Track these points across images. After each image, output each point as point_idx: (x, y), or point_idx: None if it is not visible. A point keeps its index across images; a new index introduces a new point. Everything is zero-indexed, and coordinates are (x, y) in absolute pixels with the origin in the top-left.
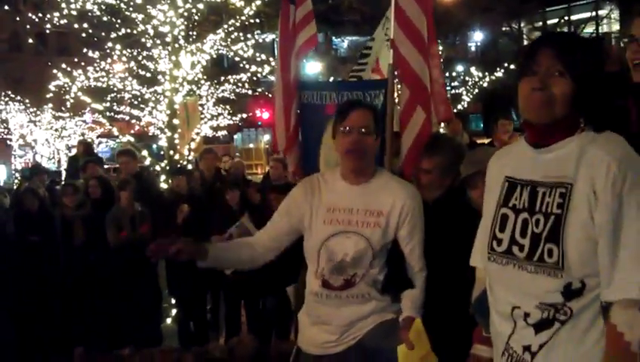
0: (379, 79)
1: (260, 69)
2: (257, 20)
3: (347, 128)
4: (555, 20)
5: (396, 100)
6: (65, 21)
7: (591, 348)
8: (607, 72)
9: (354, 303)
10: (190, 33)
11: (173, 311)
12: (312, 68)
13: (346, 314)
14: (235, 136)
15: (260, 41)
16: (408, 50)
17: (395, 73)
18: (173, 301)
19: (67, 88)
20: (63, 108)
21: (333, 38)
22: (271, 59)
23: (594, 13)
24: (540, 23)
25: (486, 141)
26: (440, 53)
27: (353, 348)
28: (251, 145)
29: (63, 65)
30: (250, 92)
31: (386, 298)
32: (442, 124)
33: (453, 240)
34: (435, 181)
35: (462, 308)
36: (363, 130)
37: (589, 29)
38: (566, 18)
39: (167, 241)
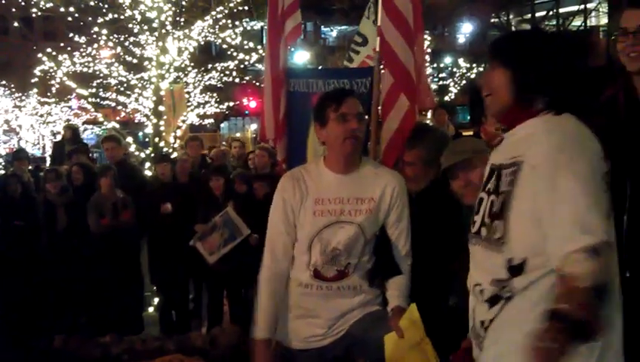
0: (365, 67)
1: (247, 57)
2: (246, 8)
3: (344, 115)
4: (544, 13)
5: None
6: (51, 5)
7: (533, 329)
8: (566, 60)
9: (344, 295)
10: (178, 19)
11: (156, 300)
12: (301, 57)
13: (335, 306)
14: (222, 125)
15: (249, 28)
16: (394, 37)
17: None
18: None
19: (53, 73)
20: (49, 94)
21: (322, 27)
22: (259, 47)
23: (582, 6)
24: (529, 15)
25: (471, 133)
26: (428, 44)
27: (338, 340)
28: (238, 134)
29: (49, 50)
30: (237, 80)
31: (375, 291)
32: (428, 115)
33: (436, 232)
34: (418, 173)
35: (442, 298)
36: (359, 117)
37: (577, 22)
38: (554, 10)
39: None
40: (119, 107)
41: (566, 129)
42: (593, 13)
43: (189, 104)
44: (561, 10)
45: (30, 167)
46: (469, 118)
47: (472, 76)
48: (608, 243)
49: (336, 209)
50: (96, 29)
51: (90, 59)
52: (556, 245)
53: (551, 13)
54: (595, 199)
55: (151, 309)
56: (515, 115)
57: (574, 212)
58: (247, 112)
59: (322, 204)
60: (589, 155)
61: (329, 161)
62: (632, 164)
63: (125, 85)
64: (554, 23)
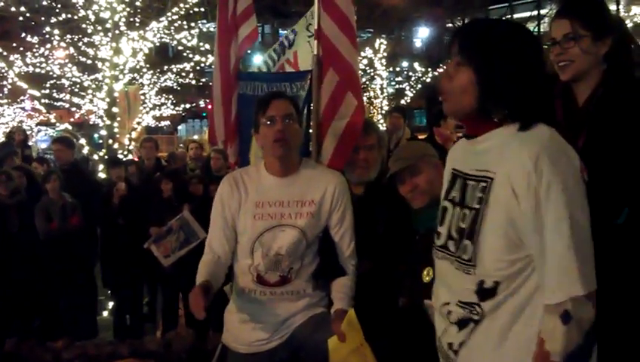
0: (303, 70)
1: (203, 59)
2: (202, 9)
3: (271, 118)
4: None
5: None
6: (2, 4)
7: (508, 351)
8: (531, 63)
9: (288, 300)
10: (132, 20)
11: (110, 304)
12: (259, 59)
13: (279, 311)
14: (179, 127)
15: (205, 30)
16: (338, 36)
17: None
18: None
19: (4, 73)
20: (0, 95)
21: (280, 29)
22: (215, 48)
23: (536, 12)
24: None
25: (425, 136)
26: (384, 47)
27: (283, 343)
28: (195, 137)
29: (0, 50)
30: (193, 82)
31: (319, 293)
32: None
33: (386, 233)
34: (377, 158)
35: (392, 299)
36: (287, 119)
37: (531, 27)
38: (508, 16)
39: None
40: (73, 108)
41: (543, 146)
42: (546, 19)
43: (145, 106)
44: (515, 16)
45: None
46: (425, 121)
47: (428, 80)
48: (585, 296)
49: (276, 212)
50: (48, 28)
51: (42, 59)
52: (544, 285)
53: (504, 18)
54: (579, 242)
55: (105, 313)
56: (478, 121)
57: (559, 257)
58: (204, 114)
59: (262, 207)
60: (572, 181)
61: (267, 165)
62: None
63: (79, 86)
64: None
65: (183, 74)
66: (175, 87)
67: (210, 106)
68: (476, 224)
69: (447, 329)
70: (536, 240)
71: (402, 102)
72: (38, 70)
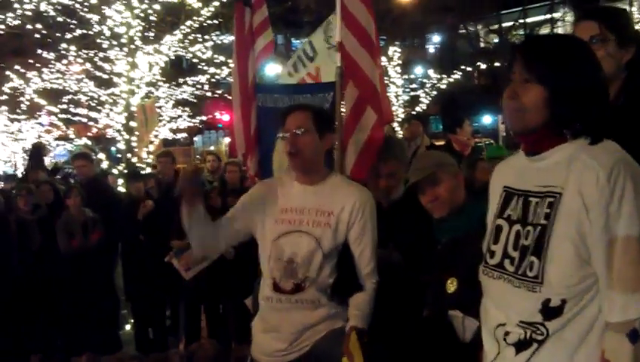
0: (327, 82)
1: (218, 71)
2: (216, 22)
3: (285, 132)
4: (511, 23)
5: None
6: (18, 22)
7: None
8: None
9: (304, 308)
10: (147, 34)
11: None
12: (272, 70)
13: (295, 320)
14: (196, 139)
15: (219, 42)
16: (357, 51)
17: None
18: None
19: (22, 90)
20: (18, 111)
21: (293, 40)
22: (229, 60)
23: (549, 16)
24: (497, 26)
25: (443, 143)
26: (399, 55)
27: (304, 357)
28: (212, 148)
29: (17, 67)
30: (209, 94)
31: (337, 305)
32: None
33: (410, 244)
34: (397, 184)
35: (417, 310)
36: (296, 130)
37: (544, 32)
38: (521, 21)
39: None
40: (90, 123)
41: (618, 159)
42: (560, 23)
43: (161, 118)
44: (528, 20)
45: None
46: (440, 127)
47: (443, 86)
48: None
49: (296, 219)
50: (64, 45)
51: (59, 75)
52: (607, 303)
53: (518, 23)
54: None
55: (128, 327)
56: (545, 137)
57: (628, 271)
58: (220, 125)
59: (285, 213)
60: None
61: (294, 173)
62: None
63: (96, 101)
64: (521, 32)
65: (199, 86)
66: (191, 100)
67: (225, 118)
68: (544, 240)
69: (502, 351)
70: (602, 253)
71: (417, 109)
72: (55, 86)
